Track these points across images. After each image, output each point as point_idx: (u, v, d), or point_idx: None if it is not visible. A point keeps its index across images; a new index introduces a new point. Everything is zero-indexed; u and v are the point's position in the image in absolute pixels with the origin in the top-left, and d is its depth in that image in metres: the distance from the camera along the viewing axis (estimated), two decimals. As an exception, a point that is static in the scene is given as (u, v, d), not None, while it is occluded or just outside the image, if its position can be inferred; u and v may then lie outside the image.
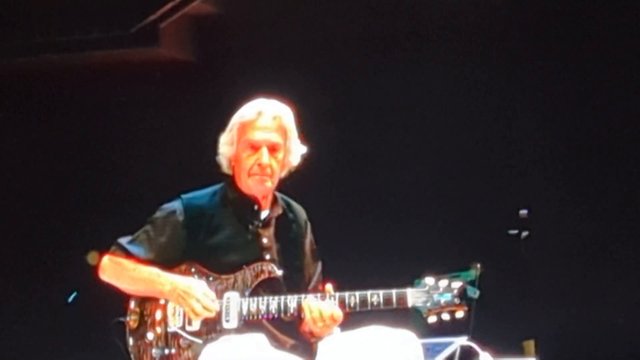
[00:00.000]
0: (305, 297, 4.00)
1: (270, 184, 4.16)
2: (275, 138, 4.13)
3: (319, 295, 4.02)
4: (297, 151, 4.20)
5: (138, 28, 6.89)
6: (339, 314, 3.98)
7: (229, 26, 7.10)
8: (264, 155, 4.10)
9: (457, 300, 3.95)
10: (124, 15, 6.90)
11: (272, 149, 4.13)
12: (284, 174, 4.22)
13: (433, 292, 3.97)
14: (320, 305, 3.97)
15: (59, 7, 6.95)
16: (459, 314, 3.96)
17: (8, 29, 6.98)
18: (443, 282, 3.98)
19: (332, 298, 3.99)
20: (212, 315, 4.00)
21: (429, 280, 3.98)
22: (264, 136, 4.12)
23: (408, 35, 6.72)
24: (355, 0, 6.82)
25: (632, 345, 6.25)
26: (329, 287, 4.04)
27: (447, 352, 5.30)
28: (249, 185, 4.15)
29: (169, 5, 6.85)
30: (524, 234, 6.18)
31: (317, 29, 6.79)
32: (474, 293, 3.98)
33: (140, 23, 6.88)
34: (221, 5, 7.10)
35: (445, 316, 3.96)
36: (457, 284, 3.96)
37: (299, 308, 3.99)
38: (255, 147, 4.12)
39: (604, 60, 6.45)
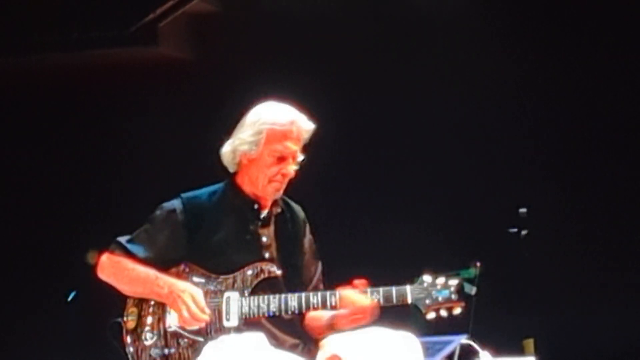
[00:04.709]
0: (338, 292, 4.01)
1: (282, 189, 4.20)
2: (299, 149, 4.16)
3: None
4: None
5: (137, 27, 6.89)
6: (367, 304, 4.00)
7: (228, 25, 7.10)
8: (290, 167, 4.13)
9: (454, 297, 4.00)
10: (122, 14, 6.90)
11: (294, 158, 4.15)
12: None
13: (431, 289, 4.01)
14: (360, 299, 4.00)
15: (57, 6, 6.95)
16: (457, 310, 4.02)
17: (6, 28, 6.98)
18: (440, 280, 4.03)
19: (333, 297, 4.02)
20: (199, 327, 3.99)
21: (427, 278, 4.03)
22: (293, 148, 4.13)
23: (408, 35, 6.71)
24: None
25: (631, 345, 6.25)
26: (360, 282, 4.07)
27: (446, 350, 5.30)
28: (266, 190, 4.14)
29: (168, 4, 6.87)
30: (524, 232, 6.18)
31: (317, 27, 6.78)
32: (470, 290, 4.05)
33: (139, 22, 6.89)
34: (220, 3, 7.10)
35: (444, 312, 4.01)
36: (454, 281, 4.02)
37: (339, 300, 3.99)
38: (283, 158, 4.13)
39: (604, 60, 6.45)
